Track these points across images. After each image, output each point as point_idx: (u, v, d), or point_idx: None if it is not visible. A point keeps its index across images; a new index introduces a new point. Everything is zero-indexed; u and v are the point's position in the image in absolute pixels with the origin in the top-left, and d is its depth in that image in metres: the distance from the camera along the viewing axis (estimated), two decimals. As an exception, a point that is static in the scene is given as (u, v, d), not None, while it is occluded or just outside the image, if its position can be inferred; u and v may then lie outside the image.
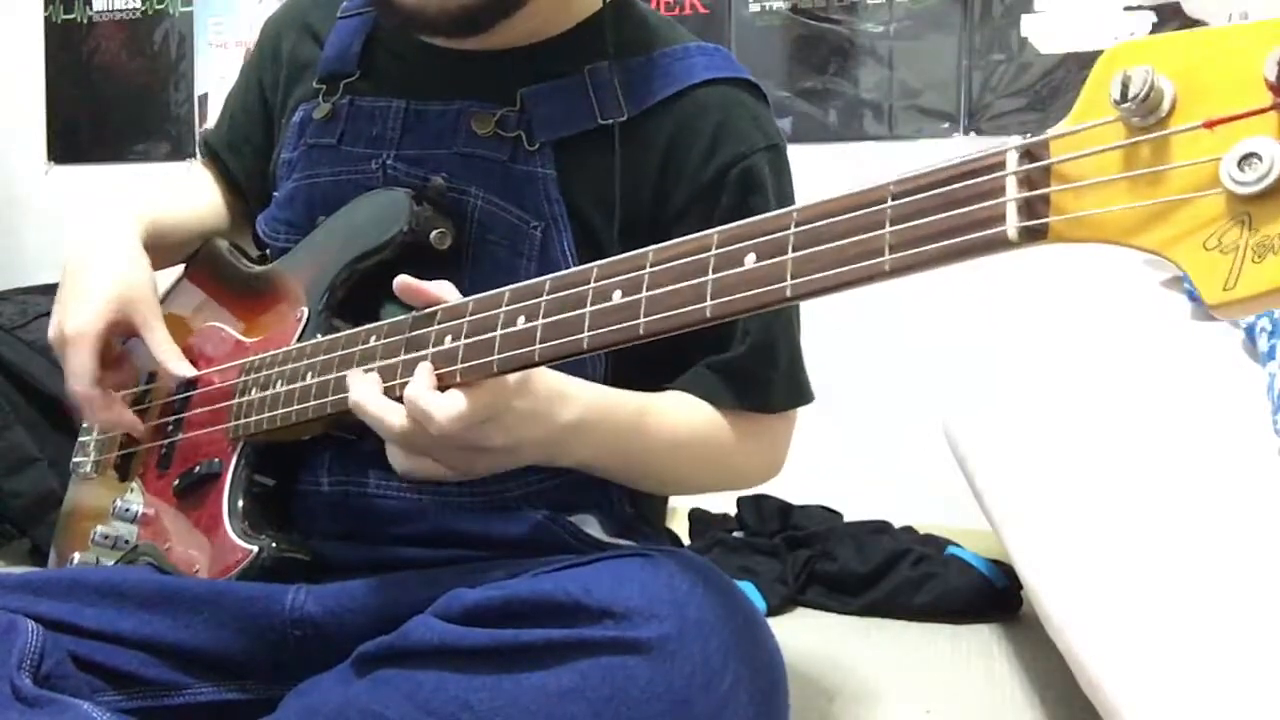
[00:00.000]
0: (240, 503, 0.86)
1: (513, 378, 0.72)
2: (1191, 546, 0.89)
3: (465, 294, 0.86)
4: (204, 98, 2.65)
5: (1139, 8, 2.01)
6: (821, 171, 2.18)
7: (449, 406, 0.70)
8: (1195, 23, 1.97)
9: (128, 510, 0.95)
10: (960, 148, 2.12)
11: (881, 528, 1.86)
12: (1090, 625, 0.94)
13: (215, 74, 2.63)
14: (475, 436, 0.72)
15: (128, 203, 1.02)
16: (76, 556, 0.99)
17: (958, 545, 1.73)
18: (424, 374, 0.72)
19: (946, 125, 2.14)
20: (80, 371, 0.90)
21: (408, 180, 0.89)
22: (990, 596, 1.62)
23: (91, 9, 2.73)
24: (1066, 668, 1.02)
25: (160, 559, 0.91)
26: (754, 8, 2.23)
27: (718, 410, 0.89)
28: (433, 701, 0.68)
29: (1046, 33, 2.07)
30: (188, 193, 1.08)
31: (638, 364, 0.86)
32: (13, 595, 0.81)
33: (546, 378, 0.76)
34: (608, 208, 0.88)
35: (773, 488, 1.92)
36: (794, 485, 1.92)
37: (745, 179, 0.88)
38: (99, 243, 0.95)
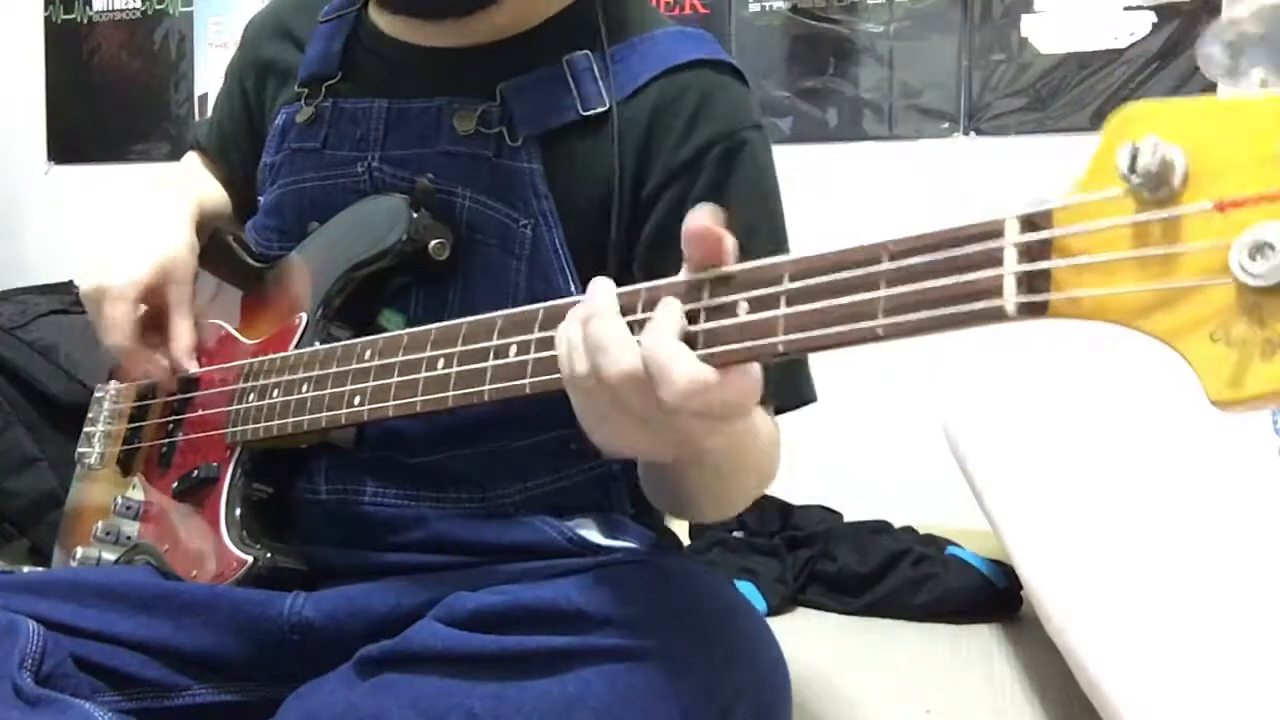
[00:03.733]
0: (237, 510, 0.86)
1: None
2: (1191, 546, 0.89)
3: (458, 295, 0.86)
4: (204, 98, 2.65)
5: (1139, 8, 2.01)
6: (821, 171, 2.18)
7: (698, 372, 0.57)
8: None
9: (129, 507, 0.96)
10: (960, 148, 2.12)
11: (881, 528, 1.86)
12: (1090, 625, 0.94)
13: (215, 74, 2.62)
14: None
15: (188, 181, 1.04)
16: (79, 551, 0.99)
17: (958, 545, 1.73)
18: (674, 315, 0.59)
19: (946, 125, 2.14)
20: (121, 324, 0.90)
21: (394, 182, 0.89)
22: (990, 596, 1.62)
23: (91, 9, 2.73)
24: (1066, 668, 1.02)
25: (159, 559, 0.91)
26: (754, 8, 2.23)
27: None
28: (435, 707, 0.68)
29: (1046, 33, 2.07)
30: (210, 179, 1.10)
31: None
32: (14, 595, 0.81)
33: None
34: (595, 198, 0.87)
35: (773, 488, 1.92)
36: (794, 485, 1.93)
37: (725, 158, 0.87)
38: (156, 212, 0.96)
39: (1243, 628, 0.77)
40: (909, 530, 1.86)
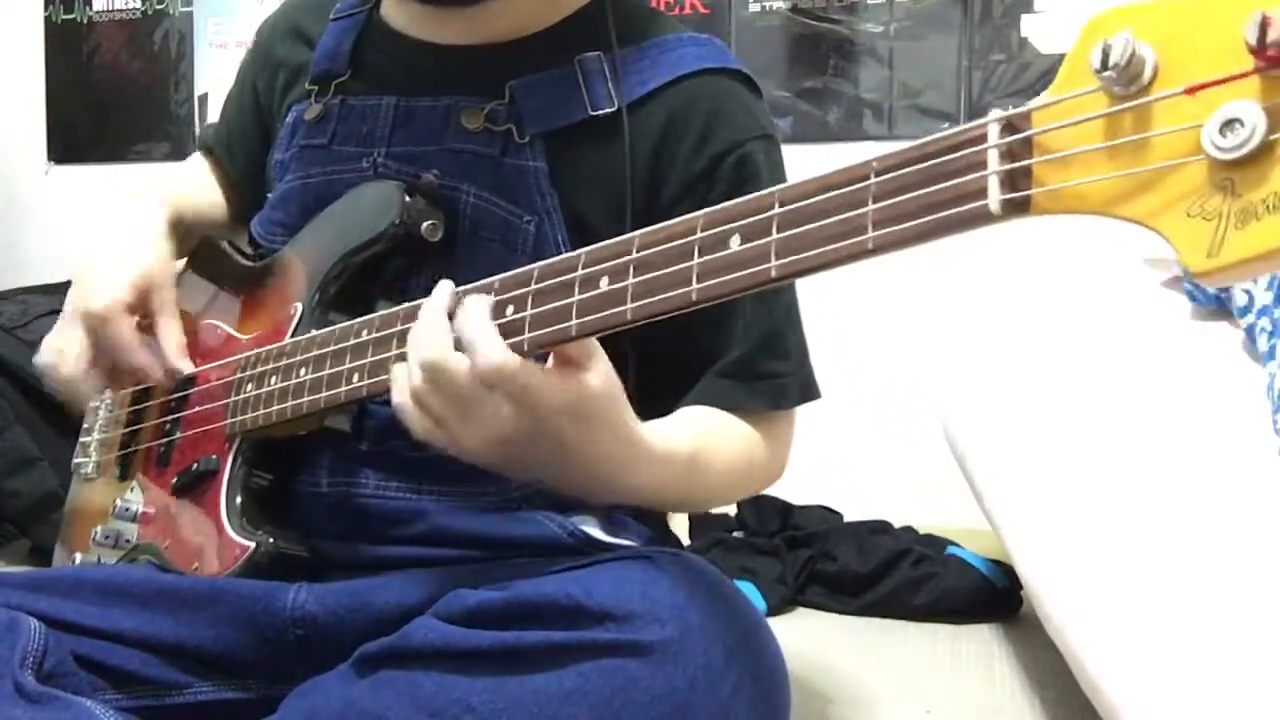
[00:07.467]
0: (238, 499, 0.87)
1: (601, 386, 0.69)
2: (1191, 546, 0.89)
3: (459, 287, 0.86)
4: (204, 98, 2.65)
5: (1139, 8, 2.01)
6: (821, 172, 2.18)
7: (500, 348, 0.66)
8: None
9: (128, 510, 0.96)
10: (960, 148, 2.13)
11: (881, 528, 1.86)
12: (1090, 625, 0.94)
13: (215, 74, 2.62)
14: (514, 409, 0.67)
15: (159, 187, 1.04)
16: (78, 557, 1.00)
17: (958, 545, 1.73)
18: (484, 304, 0.68)
19: (946, 125, 2.13)
20: (127, 342, 0.92)
21: (398, 178, 0.89)
22: (990, 596, 1.62)
23: (91, 9, 2.73)
24: (1066, 668, 1.02)
25: (160, 557, 0.91)
26: (754, 7, 2.23)
27: (738, 415, 0.88)
28: (434, 703, 0.68)
29: (1046, 33, 2.08)
30: (203, 184, 1.10)
31: (662, 377, 0.87)
32: (15, 593, 0.81)
33: (635, 426, 0.74)
34: (601, 199, 0.88)
35: (773, 488, 1.92)
36: (794, 485, 1.92)
37: (739, 168, 0.88)
38: (128, 227, 0.98)
39: (1243, 628, 0.77)
40: (909, 530, 1.86)
